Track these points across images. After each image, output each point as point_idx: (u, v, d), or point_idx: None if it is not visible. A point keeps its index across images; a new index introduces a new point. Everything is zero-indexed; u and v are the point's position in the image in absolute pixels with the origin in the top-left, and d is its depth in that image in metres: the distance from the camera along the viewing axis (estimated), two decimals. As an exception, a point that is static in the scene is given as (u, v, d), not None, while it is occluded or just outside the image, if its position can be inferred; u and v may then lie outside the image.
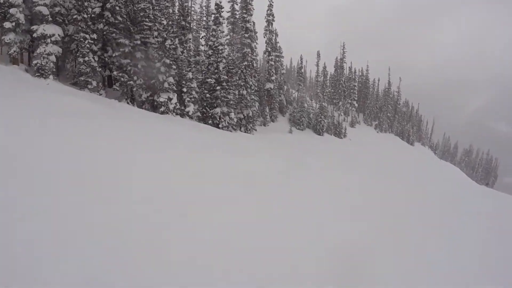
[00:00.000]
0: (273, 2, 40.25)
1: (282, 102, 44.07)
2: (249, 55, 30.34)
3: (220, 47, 26.16)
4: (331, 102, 55.86)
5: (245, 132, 28.71)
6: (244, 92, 28.80)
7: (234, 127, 26.70)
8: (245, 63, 29.62)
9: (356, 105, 57.00)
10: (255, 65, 33.05)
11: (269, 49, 40.75)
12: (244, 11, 33.42)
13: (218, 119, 25.44)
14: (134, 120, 15.79)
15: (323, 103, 44.38)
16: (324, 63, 56.96)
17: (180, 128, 17.70)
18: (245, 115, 28.82)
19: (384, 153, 44.66)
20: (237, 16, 34.98)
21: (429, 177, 33.49)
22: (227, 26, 34.66)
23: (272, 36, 41.10)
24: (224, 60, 26.31)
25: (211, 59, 26.12)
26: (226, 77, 26.17)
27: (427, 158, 59.04)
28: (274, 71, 40.77)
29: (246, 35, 32.27)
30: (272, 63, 40.65)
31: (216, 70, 25.78)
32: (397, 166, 37.46)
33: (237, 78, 28.98)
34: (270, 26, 40.80)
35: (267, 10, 40.57)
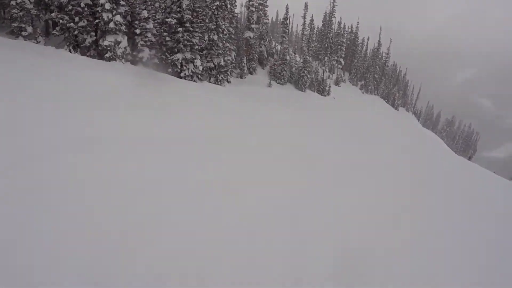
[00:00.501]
0: None
1: (262, 53, 40.37)
2: None
3: (185, -20, 21.91)
4: (317, 58, 52.26)
5: (214, 83, 25.47)
6: (215, 37, 25.06)
7: (199, 76, 23.17)
8: (217, 3, 25.20)
9: (343, 62, 53.53)
10: (231, 8, 28.69)
11: (249, -7, 36.37)
12: None
13: (179, 67, 21.87)
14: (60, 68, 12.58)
15: (307, 57, 40.86)
16: (312, 16, 52.66)
17: (113, 78, 14.26)
18: (216, 64, 25.34)
19: (368, 115, 42.59)
20: None
21: (414, 145, 32.00)
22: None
23: (251, -22, 36.36)
24: None
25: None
26: (190, 17, 22.11)
27: (410, 124, 57.52)
28: (254, 19, 36.70)
29: None
30: (253, 9, 36.39)
31: (178, 9, 21.73)
32: (381, 130, 35.77)
33: (207, 21, 25.18)
34: None
35: None
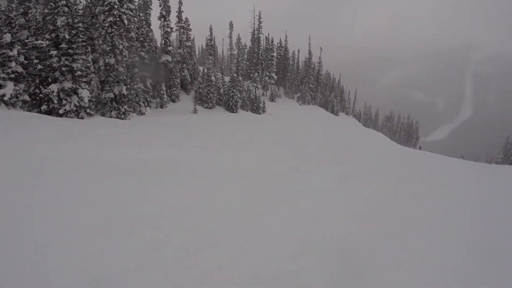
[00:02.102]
0: None
1: (186, 78, 38.22)
2: (117, 7, 21.98)
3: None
4: (248, 76, 51.09)
5: (117, 117, 22.50)
6: (112, 61, 22.15)
7: (88, 111, 19.25)
8: (110, 18, 21.64)
9: (275, 77, 52.85)
10: (129, 25, 25.68)
11: (164, 13, 34.23)
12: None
13: (56, 102, 17.80)
14: None
15: (234, 75, 39.13)
16: (238, 34, 51.91)
17: None
18: (117, 93, 22.41)
19: (309, 124, 41.69)
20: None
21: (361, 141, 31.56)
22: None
23: (170, -3, 34.34)
24: (67, 10, 18.22)
25: (46, 10, 18.26)
26: (68, 36, 18.06)
27: (353, 125, 57.92)
28: (172, 42, 34.70)
29: None
30: (168, 29, 34.31)
31: (52, 27, 18.03)
32: (326, 135, 34.74)
33: (101, 42, 22.36)
34: None
35: None
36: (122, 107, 22.31)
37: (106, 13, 21.67)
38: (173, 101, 34.50)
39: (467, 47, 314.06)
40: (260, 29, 51.76)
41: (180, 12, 36.69)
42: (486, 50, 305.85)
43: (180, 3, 36.16)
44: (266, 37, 54.29)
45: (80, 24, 18.98)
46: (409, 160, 22.57)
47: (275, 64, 54.71)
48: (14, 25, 17.12)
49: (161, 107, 31.60)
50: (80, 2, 19.42)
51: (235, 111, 37.99)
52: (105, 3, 21.47)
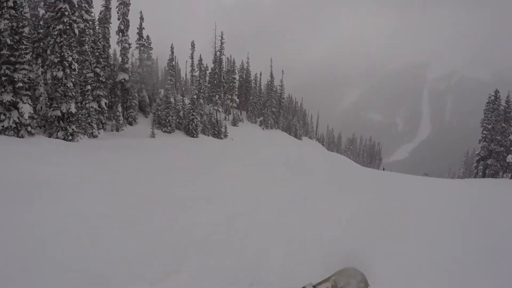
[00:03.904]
0: None
1: (144, 100, 35.46)
2: (67, 14, 19.30)
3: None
4: (210, 100, 49.24)
5: (64, 138, 19.28)
6: (60, 74, 19.15)
7: (29, 129, 16.41)
8: (60, 26, 18.99)
9: (237, 100, 51.66)
10: (79, 35, 22.89)
11: (122, 27, 31.65)
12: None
13: None
14: None
15: (194, 96, 37.07)
16: (200, 55, 50.07)
17: None
18: (65, 111, 19.32)
19: (272, 149, 40.47)
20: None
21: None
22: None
23: (127, 10, 31.88)
24: (13, 12, 15.82)
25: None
26: (11, 42, 15.66)
27: (317, 150, 57.87)
28: (129, 58, 32.10)
29: None
30: (126, 45, 31.69)
31: None
32: (288, 163, 33.42)
33: (48, 52, 19.38)
34: None
35: None
36: (69, 127, 19.30)
37: (56, 20, 18.88)
38: (130, 123, 31.55)
39: (422, 66, 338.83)
40: (222, 50, 50.68)
41: (141, 28, 34.20)
42: (440, 68, 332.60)
43: (141, 18, 33.75)
44: (228, 58, 53.38)
45: (26, 30, 16.16)
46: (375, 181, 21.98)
47: (237, 87, 53.69)
48: None
49: (117, 130, 28.62)
50: (25, 5, 16.42)
51: (195, 135, 35.75)
52: (56, 8, 18.74)
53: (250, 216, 6.79)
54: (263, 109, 56.08)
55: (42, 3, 21.21)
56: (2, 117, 15.38)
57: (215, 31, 49.36)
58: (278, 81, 61.68)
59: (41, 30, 21.25)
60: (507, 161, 32.89)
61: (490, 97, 35.77)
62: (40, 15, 21.47)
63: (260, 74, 59.96)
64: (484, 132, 35.62)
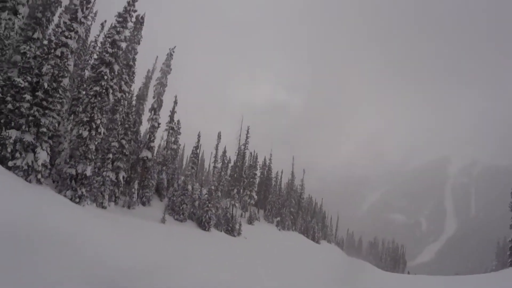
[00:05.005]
0: (173, 52, 33.39)
1: (162, 182, 33.77)
2: (106, 78, 19.43)
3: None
4: (228, 194, 47.00)
5: (71, 199, 16.98)
6: (86, 133, 18.09)
7: (39, 177, 15.22)
8: (97, 88, 18.97)
9: (256, 197, 49.34)
10: (115, 100, 22.53)
11: (155, 106, 31.99)
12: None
13: (9, 151, 14.29)
14: None
15: (212, 187, 34.97)
16: (225, 147, 49.89)
17: None
18: (80, 172, 17.58)
19: (285, 254, 36.55)
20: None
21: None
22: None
23: (163, 91, 32.75)
24: (58, 61, 15.94)
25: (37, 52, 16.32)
26: (47, 86, 15.54)
27: (334, 255, 52.78)
28: (155, 137, 31.54)
29: (110, 49, 20.58)
30: (156, 124, 31.51)
31: (37, 71, 15.74)
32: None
33: (80, 110, 18.76)
34: (164, 78, 32.63)
35: (165, 60, 33.01)
36: (80, 189, 17.27)
37: (94, 82, 18.87)
38: (143, 204, 29.30)
39: (442, 162, 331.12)
40: (247, 145, 50.69)
41: (173, 112, 34.71)
42: (461, 161, 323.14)
43: (175, 102, 34.49)
44: (251, 153, 53.17)
45: (65, 81, 16.07)
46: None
47: (257, 183, 52.03)
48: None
49: (129, 207, 26.22)
50: (70, 57, 16.46)
51: (207, 229, 32.61)
52: (97, 70, 18.91)
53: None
54: (282, 208, 53.14)
55: (90, 67, 21.78)
56: (18, 155, 14.70)
57: (241, 124, 50.16)
58: (299, 180, 60.33)
59: (83, 91, 21.33)
60: None
61: None
62: (86, 77, 21.88)
63: (282, 172, 59.08)
64: None
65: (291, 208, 55.47)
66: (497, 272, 31.84)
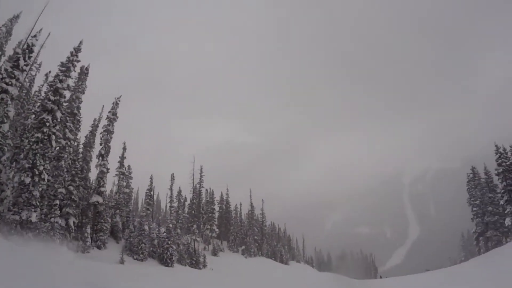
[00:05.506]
0: (119, 101, 35.08)
1: (117, 225, 34.03)
2: (48, 125, 19.86)
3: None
4: (188, 230, 47.47)
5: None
6: (28, 180, 18.70)
7: None
8: (38, 134, 19.39)
9: (217, 230, 50.12)
10: (55, 146, 23.05)
11: (103, 153, 32.94)
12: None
13: None
14: None
15: (170, 225, 35.88)
16: (179, 187, 50.92)
17: None
18: (25, 218, 18.20)
19: (255, 278, 37.37)
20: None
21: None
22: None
23: (110, 138, 33.89)
24: None
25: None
26: None
27: (305, 273, 53.98)
28: (105, 182, 32.34)
29: (52, 97, 21.26)
30: (104, 169, 32.39)
31: None
32: None
33: (22, 157, 19.60)
34: (111, 126, 33.96)
35: (111, 108, 34.49)
36: (26, 233, 17.90)
37: (36, 129, 20.12)
38: (99, 247, 29.39)
39: (397, 176, 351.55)
40: (202, 183, 51.97)
41: (122, 157, 36.21)
42: (414, 171, 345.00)
43: (124, 149, 36.22)
44: (207, 190, 54.36)
45: (5, 126, 17.44)
46: None
47: (216, 217, 52.98)
48: None
49: (83, 252, 26.31)
50: (9, 104, 17.76)
51: (170, 265, 33.02)
52: (38, 117, 20.23)
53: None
54: (245, 237, 54.08)
55: (33, 114, 22.83)
56: None
57: (193, 164, 51.80)
58: (259, 209, 61.95)
59: (25, 139, 22.17)
60: (506, 225, 31.82)
61: (468, 175, 37.65)
62: (29, 125, 22.82)
63: (240, 204, 60.53)
64: (474, 209, 36.39)
65: (255, 236, 56.51)
66: (467, 262, 33.59)
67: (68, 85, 24.25)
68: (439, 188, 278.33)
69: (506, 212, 32.72)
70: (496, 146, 34.96)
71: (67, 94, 25.37)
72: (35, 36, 22.85)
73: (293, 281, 42.12)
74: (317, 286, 39.84)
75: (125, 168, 37.33)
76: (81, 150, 30.47)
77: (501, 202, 33.59)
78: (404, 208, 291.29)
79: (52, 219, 22.22)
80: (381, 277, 62.20)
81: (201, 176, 52.26)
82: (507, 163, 33.63)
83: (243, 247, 52.73)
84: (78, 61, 25.34)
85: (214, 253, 46.16)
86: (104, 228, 30.56)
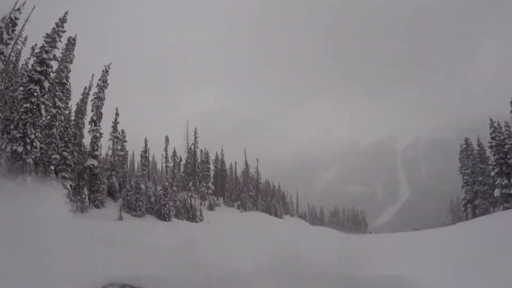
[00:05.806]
0: (109, 69, 35.87)
1: (113, 186, 36.26)
2: (36, 95, 20.99)
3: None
4: (184, 188, 49.99)
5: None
6: (20, 149, 20.15)
7: None
8: (27, 105, 20.69)
9: (212, 187, 52.75)
10: (48, 116, 24.71)
11: (95, 119, 34.33)
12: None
13: None
14: None
15: (166, 183, 38.11)
16: (174, 148, 52.69)
17: None
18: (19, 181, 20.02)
19: (250, 229, 40.14)
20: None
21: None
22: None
23: (101, 104, 35.04)
24: None
25: None
26: None
27: (299, 226, 57.59)
28: (99, 146, 34.13)
29: (39, 68, 22.14)
30: (97, 134, 33.97)
31: None
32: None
33: (12, 127, 21.08)
34: (102, 93, 35.03)
35: (101, 76, 35.40)
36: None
37: (24, 99, 21.28)
38: (97, 207, 31.75)
39: (389, 141, 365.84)
40: (196, 144, 53.52)
41: (115, 123, 37.87)
42: (407, 138, 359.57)
43: (117, 114, 37.93)
44: (201, 150, 56.13)
45: None
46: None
47: (211, 175, 55.32)
48: None
49: (81, 211, 28.60)
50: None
51: (168, 219, 35.59)
52: (26, 89, 21.32)
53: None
54: (241, 193, 56.81)
55: (22, 88, 23.81)
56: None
57: (187, 126, 53.07)
58: (253, 168, 64.21)
59: (15, 111, 23.34)
60: (495, 195, 33.78)
61: (462, 146, 39.21)
62: (18, 97, 23.88)
63: (235, 163, 62.58)
64: (465, 177, 37.97)
65: (250, 192, 59.18)
66: (455, 225, 35.30)
67: (54, 55, 24.98)
68: (431, 156, 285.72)
69: (496, 183, 34.30)
70: (491, 120, 36.32)
71: (54, 64, 26.07)
72: (18, 9, 23.28)
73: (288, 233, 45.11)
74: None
75: (119, 132, 38.87)
76: (73, 117, 31.78)
77: (492, 173, 35.07)
78: (397, 172, 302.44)
79: (47, 182, 24.05)
80: (370, 233, 66.00)
81: (195, 138, 53.59)
82: (500, 137, 35.03)
83: (239, 202, 55.55)
84: (64, 31, 25.83)
85: (211, 208, 48.91)
86: (101, 189, 32.70)
